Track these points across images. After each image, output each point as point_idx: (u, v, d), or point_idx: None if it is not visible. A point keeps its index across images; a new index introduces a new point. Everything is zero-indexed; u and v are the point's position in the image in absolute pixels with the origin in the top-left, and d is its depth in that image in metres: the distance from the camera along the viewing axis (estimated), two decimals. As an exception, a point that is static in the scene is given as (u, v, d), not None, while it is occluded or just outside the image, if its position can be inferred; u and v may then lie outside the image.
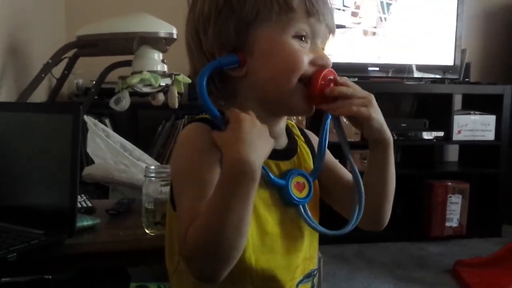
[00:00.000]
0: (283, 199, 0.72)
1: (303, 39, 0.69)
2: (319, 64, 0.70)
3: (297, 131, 0.82)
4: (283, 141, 0.77)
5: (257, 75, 0.69)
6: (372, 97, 0.72)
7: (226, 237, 0.58)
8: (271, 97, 0.70)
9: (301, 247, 0.74)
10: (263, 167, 0.65)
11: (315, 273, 0.78)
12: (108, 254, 0.99)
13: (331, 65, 0.71)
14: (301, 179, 0.73)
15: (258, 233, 0.69)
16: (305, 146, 0.80)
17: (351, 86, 0.71)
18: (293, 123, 0.82)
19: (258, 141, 0.61)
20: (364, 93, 0.72)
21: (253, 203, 0.61)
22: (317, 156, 0.77)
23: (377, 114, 0.71)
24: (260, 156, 0.61)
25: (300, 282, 0.74)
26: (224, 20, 0.68)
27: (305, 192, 0.73)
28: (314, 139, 0.82)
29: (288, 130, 0.80)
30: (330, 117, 0.75)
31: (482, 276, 2.22)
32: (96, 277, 1.09)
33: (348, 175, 0.81)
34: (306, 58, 0.69)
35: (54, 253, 0.94)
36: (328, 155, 0.80)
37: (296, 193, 0.72)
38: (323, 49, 0.72)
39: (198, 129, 0.68)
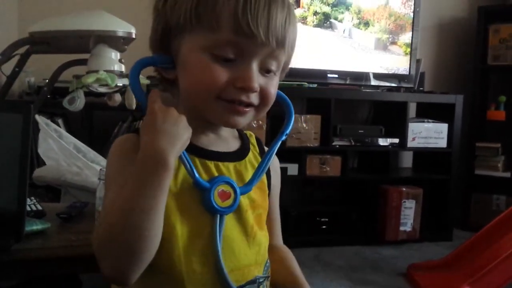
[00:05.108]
0: (204, 204, 0.68)
1: (228, 60, 0.65)
2: (237, 87, 0.66)
3: (253, 140, 0.81)
4: (233, 145, 0.76)
5: (181, 83, 0.69)
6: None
7: (134, 224, 0.59)
8: (194, 107, 0.70)
9: (243, 253, 0.71)
10: (190, 165, 0.66)
11: (261, 280, 0.74)
12: (58, 260, 0.95)
13: (255, 87, 0.66)
14: (227, 188, 0.69)
15: (188, 235, 0.67)
16: (256, 156, 0.78)
17: None
18: (251, 133, 0.82)
19: (172, 129, 0.62)
20: None
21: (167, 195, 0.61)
22: (255, 171, 0.74)
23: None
24: (173, 144, 0.61)
25: (242, 287, 0.71)
26: (156, 21, 0.70)
27: (228, 203, 0.69)
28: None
29: (245, 138, 0.79)
30: (282, 137, 0.75)
31: (434, 279, 2.30)
32: (46, 284, 1.04)
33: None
34: (223, 78, 0.65)
35: (-1, 259, 0.89)
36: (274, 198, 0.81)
37: (218, 201, 0.68)
38: (265, 69, 0.68)
39: (127, 139, 0.69)
